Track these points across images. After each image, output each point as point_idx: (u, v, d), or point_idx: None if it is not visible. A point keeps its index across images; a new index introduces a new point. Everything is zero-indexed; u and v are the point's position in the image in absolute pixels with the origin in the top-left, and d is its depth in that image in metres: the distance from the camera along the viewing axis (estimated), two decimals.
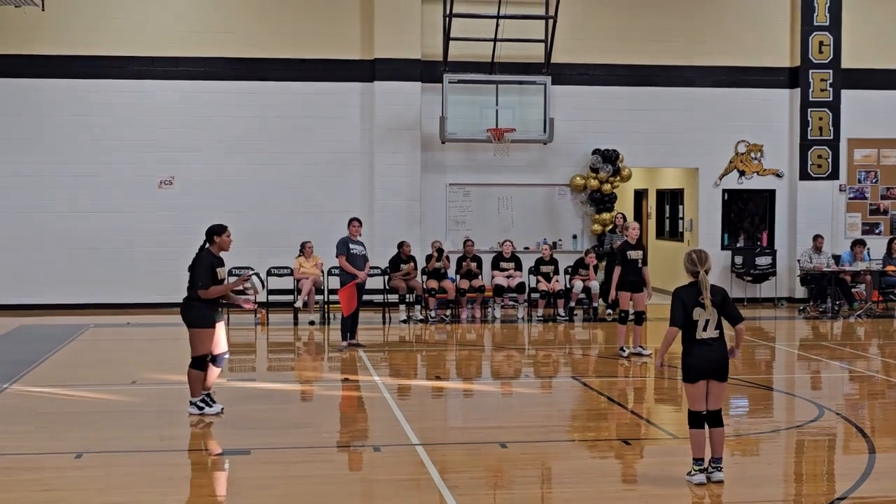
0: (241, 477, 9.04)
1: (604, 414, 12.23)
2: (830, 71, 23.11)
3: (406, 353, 17.23)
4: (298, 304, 19.91)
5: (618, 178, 22.53)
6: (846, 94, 23.25)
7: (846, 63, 23.18)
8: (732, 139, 23.33)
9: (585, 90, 22.69)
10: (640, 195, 27.38)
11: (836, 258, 22.22)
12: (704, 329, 8.66)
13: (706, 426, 8.77)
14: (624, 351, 15.96)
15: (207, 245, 11.53)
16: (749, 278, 23.00)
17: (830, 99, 23.17)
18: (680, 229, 24.68)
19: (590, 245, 22.28)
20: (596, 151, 22.45)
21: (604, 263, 21.68)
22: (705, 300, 8.60)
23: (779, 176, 23.51)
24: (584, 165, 22.61)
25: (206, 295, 11.26)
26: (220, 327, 11.58)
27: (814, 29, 23.07)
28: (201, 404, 11.48)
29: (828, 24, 23.09)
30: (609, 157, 22.36)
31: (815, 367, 15.87)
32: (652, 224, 26.55)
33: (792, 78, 23.28)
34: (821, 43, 23.08)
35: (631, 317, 16.08)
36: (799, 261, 22.42)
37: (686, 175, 24.11)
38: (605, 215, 22.39)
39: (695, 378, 8.69)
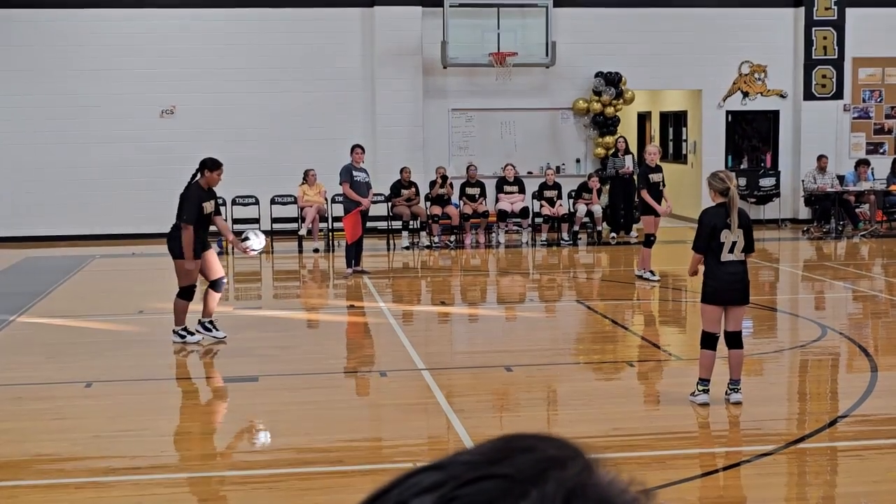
0: (250, 403, 9.14)
1: (608, 337, 12.32)
2: None
3: (410, 280, 17.30)
4: (303, 231, 19.95)
5: (621, 101, 22.40)
6: (851, 13, 23.02)
7: None
8: (736, 60, 23.15)
9: (587, 12, 22.48)
10: (643, 118, 27.26)
11: (840, 178, 22.16)
12: (731, 251, 8.48)
13: (724, 348, 8.71)
14: (653, 274, 15.81)
15: (198, 178, 11.46)
16: (753, 200, 22.96)
17: (835, 17, 22.95)
18: (683, 151, 24.61)
19: (593, 169, 22.23)
20: (598, 74, 22.31)
21: (607, 187, 21.67)
22: (732, 220, 8.42)
23: (783, 97, 23.37)
24: (587, 89, 22.48)
25: (186, 232, 11.14)
26: (212, 254, 11.64)
27: None
28: (183, 333, 11.52)
29: None
30: (612, 80, 22.22)
31: (819, 287, 15.93)
32: None
33: None
34: None
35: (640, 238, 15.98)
36: (803, 181, 22.37)
37: (689, 97, 23.98)
38: (608, 139, 22.31)
39: (715, 300, 8.57)
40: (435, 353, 11.27)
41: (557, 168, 22.29)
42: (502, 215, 20.89)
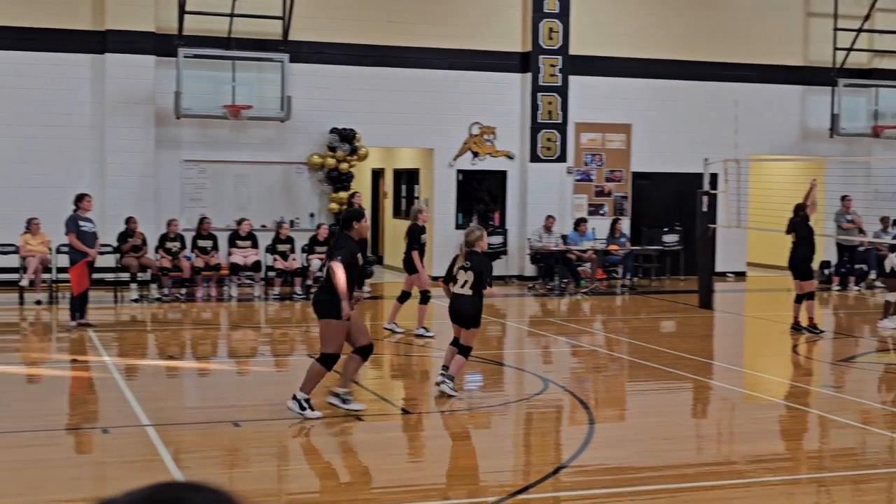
0: None
1: None
2: (559, 57, 23.93)
3: (138, 333, 16.84)
4: (24, 282, 19.10)
5: (355, 157, 22.64)
6: (574, 80, 24.13)
7: (574, 50, 24.04)
8: (467, 121, 23.82)
9: (323, 69, 22.66)
10: (377, 174, 27.64)
11: (564, 238, 23.09)
12: (462, 286, 11.35)
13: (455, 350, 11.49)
14: (427, 330, 15.81)
15: (346, 231, 10.59)
16: None
17: (559, 84, 24.01)
18: None
19: (327, 223, 22.24)
20: (333, 130, 22.49)
21: None
22: (458, 266, 11.46)
23: (510, 158, 24.19)
24: (322, 144, 22.60)
25: (339, 271, 10.12)
26: (359, 316, 10.92)
27: (544, 16, 23.82)
28: (305, 404, 10.30)
29: (557, 11, 23.87)
30: (346, 136, 22.45)
31: (544, 342, 16.48)
32: (389, 203, 26.86)
33: (523, 62, 23.98)
34: (550, 29, 23.85)
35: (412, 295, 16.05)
36: (529, 240, 23.20)
37: (422, 155, 24.49)
38: (342, 194, 22.48)
39: (451, 319, 11.55)
40: (162, 408, 10.99)
41: (291, 222, 22.25)
42: (235, 269, 20.68)
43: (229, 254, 20.87)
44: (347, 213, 11.04)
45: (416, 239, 15.72)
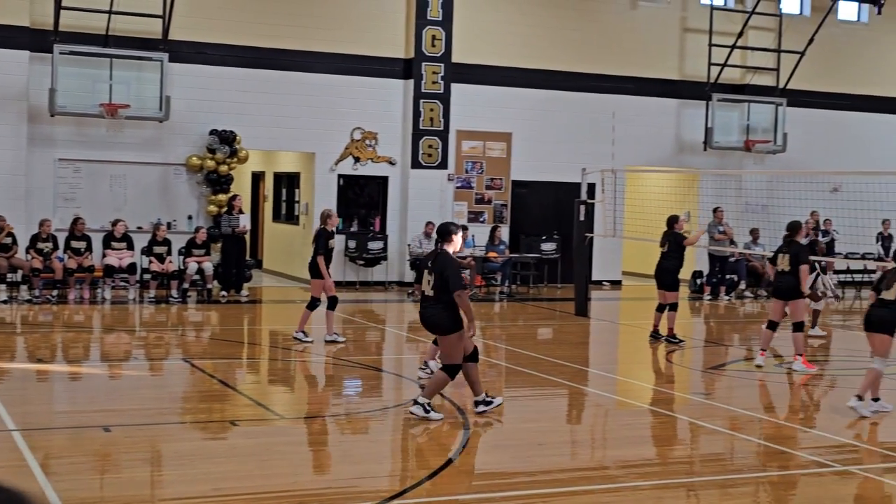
0: None
1: (214, 396, 12.20)
2: (442, 64, 24.05)
3: (7, 335, 16.41)
4: None
5: (235, 159, 22.42)
6: (455, 88, 24.27)
7: (456, 58, 24.19)
8: (349, 126, 23.78)
9: (203, 69, 22.39)
10: (257, 177, 27.42)
11: None
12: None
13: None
14: (307, 335, 15.63)
15: (446, 244, 10.81)
16: (362, 262, 23.59)
17: (441, 91, 24.12)
18: (296, 213, 24.93)
19: (206, 226, 21.98)
20: (213, 132, 22.24)
21: (219, 245, 21.56)
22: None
23: (392, 163, 24.22)
24: (201, 145, 22.33)
25: (462, 297, 10.54)
26: None
27: (427, 23, 23.91)
28: (428, 408, 10.73)
29: (441, 19, 24.00)
30: (226, 138, 22.21)
31: (423, 348, 16.51)
32: (269, 207, 26.66)
33: (406, 69, 24.04)
34: (433, 37, 23.96)
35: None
36: (409, 245, 23.24)
37: (303, 159, 24.36)
38: (222, 196, 22.24)
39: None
40: (30, 413, 10.74)
41: (169, 224, 21.92)
42: (109, 270, 20.30)
43: (104, 255, 20.48)
44: (445, 226, 11.13)
45: (323, 244, 15.62)
